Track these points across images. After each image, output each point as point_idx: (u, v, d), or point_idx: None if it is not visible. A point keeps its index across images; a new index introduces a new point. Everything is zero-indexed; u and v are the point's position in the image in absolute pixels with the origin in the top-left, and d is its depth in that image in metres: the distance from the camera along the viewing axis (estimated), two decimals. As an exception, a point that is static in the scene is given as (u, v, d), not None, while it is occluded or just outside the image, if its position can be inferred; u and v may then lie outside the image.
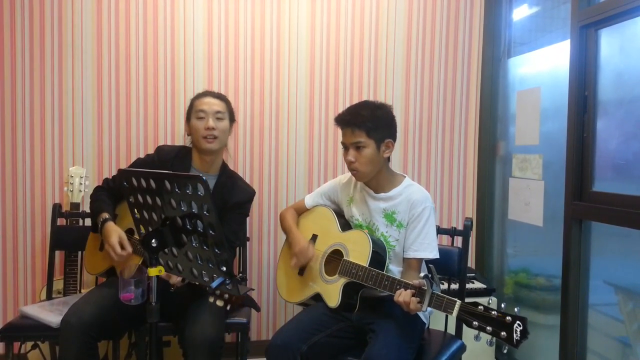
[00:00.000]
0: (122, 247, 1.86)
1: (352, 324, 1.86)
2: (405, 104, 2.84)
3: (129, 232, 2.03)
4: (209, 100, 2.05)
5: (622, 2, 1.88)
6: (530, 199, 2.56)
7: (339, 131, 1.88)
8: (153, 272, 1.39)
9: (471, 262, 2.96)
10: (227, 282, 1.38)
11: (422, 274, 1.67)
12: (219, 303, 1.40)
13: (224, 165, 2.16)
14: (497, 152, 2.92)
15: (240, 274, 2.32)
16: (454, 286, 2.27)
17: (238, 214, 2.10)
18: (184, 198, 1.36)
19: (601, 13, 1.99)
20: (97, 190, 2.09)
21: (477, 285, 2.64)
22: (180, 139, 2.57)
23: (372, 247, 1.77)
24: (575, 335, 2.13)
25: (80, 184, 2.39)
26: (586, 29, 2.08)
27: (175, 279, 1.79)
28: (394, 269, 1.86)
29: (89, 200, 2.09)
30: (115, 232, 1.88)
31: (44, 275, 2.41)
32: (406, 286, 1.61)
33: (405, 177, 1.92)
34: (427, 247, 1.81)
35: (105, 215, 1.94)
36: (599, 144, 2.05)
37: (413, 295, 1.57)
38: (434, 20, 2.84)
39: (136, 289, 1.58)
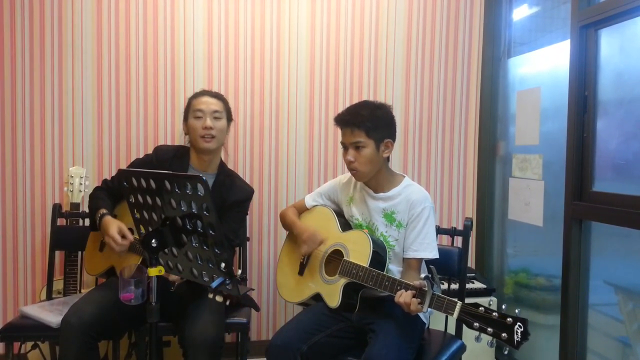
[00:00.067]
0: (124, 236, 1.85)
1: (352, 324, 1.86)
2: (405, 104, 2.84)
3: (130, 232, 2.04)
4: (206, 99, 2.06)
5: (622, 2, 1.88)
6: (530, 199, 2.56)
7: (339, 131, 1.88)
8: (153, 272, 1.39)
9: (471, 262, 2.96)
10: (227, 282, 1.38)
11: (422, 275, 1.67)
12: (218, 298, 1.40)
13: (222, 164, 2.16)
14: (497, 152, 2.92)
15: (241, 274, 2.32)
16: (454, 286, 2.27)
17: (237, 212, 2.10)
18: (184, 198, 1.36)
19: (601, 13, 1.99)
20: (95, 190, 2.09)
21: (477, 285, 2.64)
22: (180, 139, 2.58)
23: (373, 248, 1.77)
24: (575, 335, 2.13)
25: (80, 184, 2.38)
26: (586, 29, 2.08)
27: (174, 276, 1.79)
28: (394, 269, 1.86)
29: (88, 199, 2.09)
30: (114, 223, 1.87)
31: (44, 275, 2.41)
32: (407, 287, 1.61)
33: (404, 177, 1.92)
34: (427, 247, 1.81)
35: (103, 210, 1.94)
36: (599, 144, 2.05)
37: (414, 296, 1.56)
38: (434, 20, 2.84)
39: (136, 289, 1.58)
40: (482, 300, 1.51)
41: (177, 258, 1.48)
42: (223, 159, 2.20)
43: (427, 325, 1.93)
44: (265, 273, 2.78)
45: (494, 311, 1.43)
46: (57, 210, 2.35)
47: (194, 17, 2.62)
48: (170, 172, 1.51)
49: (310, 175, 2.78)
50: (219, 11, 2.64)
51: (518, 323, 1.38)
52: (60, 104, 2.54)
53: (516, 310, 1.44)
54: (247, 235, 2.60)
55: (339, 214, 2.01)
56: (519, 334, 1.37)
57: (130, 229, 2.02)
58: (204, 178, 1.29)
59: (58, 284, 2.36)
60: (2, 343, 2.08)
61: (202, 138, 2.00)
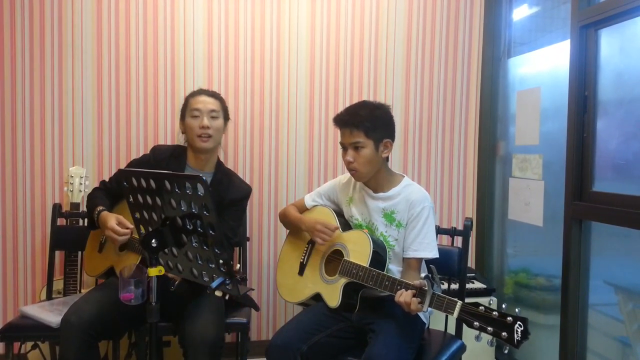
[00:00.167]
0: (123, 227, 1.84)
1: (352, 324, 1.86)
2: (405, 104, 2.84)
3: None
4: (203, 98, 2.06)
5: (622, 2, 1.88)
6: (530, 199, 2.56)
7: (339, 131, 1.88)
8: (153, 272, 1.39)
9: (471, 262, 2.96)
10: (227, 282, 1.38)
11: (422, 275, 1.67)
12: (218, 293, 1.40)
13: (219, 163, 2.16)
14: (497, 152, 2.92)
15: (241, 274, 2.32)
16: (454, 286, 2.27)
17: (235, 210, 2.10)
18: (184, 198, 1.36)
19: (601, 13, 1.99)
20: (93, 191, 2.10)
21: (477, 285, 2.64)
22: (179, 138, 2.58)
23: (373, 247, 1.77)
24: (575, 335, 2.13)
25: (80, 184, 2.38)
26: (586, 29, 2.08)
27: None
28: (394, 269, 1.86)
29: (86, 200, 2.09)
30: (112, 216, 1.87)
31: (44, 275, 2.41)
32: (407, 287, 1.61)
33: (404, 176, 1.92)
34: (427, 247, 1.81)
35: (100, 207, 1.94)
36: (599, 144, 2.05)
37: (414, 296, 1.56)
38: (434, 20, 2.84)
39: (136, 289, 1.58)
40: (482, 300, 1.50)
41: (177, 258, 1.48)
42: (220, 157, 2.20)
43: (427, 325, 1.93)
44: (265, 273, 2.78)
45: (494, 310, 1.43)
46: (57, 210, 2.35)
47: (194, 17, 2.62)
48: (170, 172, 1.51)
49: (310, 175, 2.78)
50: (219, 11, 2.64)
51: (518, 322, 1.38)
52: (60, 104, 2.54)
53: (516, 310, 1.44)
54: (247, 235, 2.60)
55: (339, 214, 2.01)
56: (519, 333, 1.37)
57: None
58: (203, 178, 1.29)
59: (58, 284, 2.36)
60: (2, 343, 2.08)
61: (199, 137, 2.00)
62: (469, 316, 1.46)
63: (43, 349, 2.18)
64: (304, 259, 1.97)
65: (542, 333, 2.46)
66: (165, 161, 2.05)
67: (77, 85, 2.55)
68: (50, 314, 1.99)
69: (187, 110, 2.06)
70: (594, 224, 2.09)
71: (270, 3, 2.68)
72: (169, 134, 2.64)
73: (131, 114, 2.60)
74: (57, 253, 2.37)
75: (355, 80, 2.79)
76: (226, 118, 2.12)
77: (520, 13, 2.86)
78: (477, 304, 1.46)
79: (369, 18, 2.78)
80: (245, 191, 2.15)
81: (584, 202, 2.08)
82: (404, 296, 1.58)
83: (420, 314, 1.82)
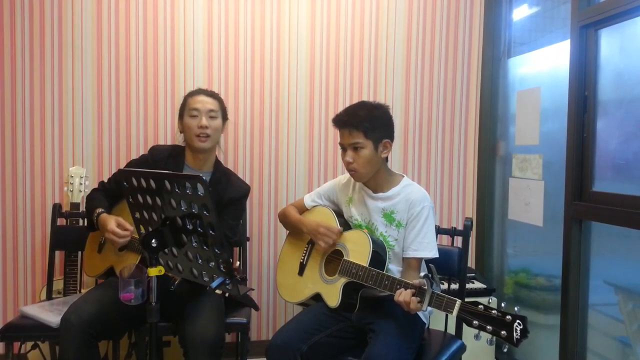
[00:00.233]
0: (123, 229, 1.85)
1: (352, 324, 1.86)
2: (405, 104, 2.84)
3: None
4: (202, 98, 2.06)
5: (622, 2, 1.88)
6: (530, 199, 2.56)
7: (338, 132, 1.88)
8: (153, 272, 1.39)
9: (471, 262, 2.96)
10: (227, 282, 1.38)
11: (422, 274, 1.67)
12: (217, 291, 1.40)
13: (218, 163, 2.16)
14: (497, 152, 2.92)
15: (241, 274, 2.32)
16: (454, 286, 2.27)
17: (234, 209, 2.11)
18: (184, 198, 1.36)
19: (601, 13, 1.99)
20: (92, 192, 2.10)
21: (477, 285, 2.64)
22: (179, 138, 2.58)
23: (372, 247, 1.77)
24: (575, 335, 2.13)
25: (80, 184, 2.38)
26: (586, 29, 2.08)
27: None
28: (394, 269, 1.86)
29: (85, 202, 2.09)
30: (111, 219, 1.87)
31: (44, 275, 2.42)
32: (406, 286, 1.61)
33: (403, 176, 1.92)
34: (427, 247, 1.81)
35: (100, 209, 1.94)
36: (599, 144, 2.05)
37: (413, 295, 1.56)
38: (434, 20, 2.84)
39: (136, 289, 1.58)
40: (482, 300, 1.50)
41: (177, 258, 1.48)
42: (219, 157, 2.20)
43: (427, 325, 1.93)
44: (265, 273, 2.78)
45: (493, 309, 1.43)
46: (57, 210, 2.35)
47: (194, 17, 2.62)
48: (170, 172, 1.51)
49: (310, 175, 2.78)
50: (219, 11, 2.64)
51: (517, 321, 1.38)
52: (60, 104, 2.54)
53: (515, 308, 1.44)
54: (247, 235, 2.60)
55: (339, 213, 2.01)
56: (519, 332, 1.37)
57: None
58: (203, 178, 1.29)
59: (58, 284, 2.36)
60: (2, 343, 2.08)
61: (197, 137, 2.01)
62: (468, 315, 1.46)
63: (43, 349, 2.18)
64: (304, 259, 1.97)
65: (542, 333, 2.46)
66: (163, 161, 2.05)
67: (77, 85, 2.55)
68: (50, 314, 1.99)
69: (185, 109, 2.06)
70: (594, 224, 2.09)
71: (270, 3, 2.68)
72: (169, 134, 2.64)
73: (131, 114, 2.60)
74: (57, 253, 2.37)
75: (355, 80, 2.79)
76: (224, 118, 2.13)
77: (520, 13, 2.86)
78: (477, 303, 1.46)
79: (369, 18, 2.78)
80: (244, 190, 2.15)
81: (584, 202, 2.08)
82: (403, 295, 1.58)
83: (420, 314, 1.82)
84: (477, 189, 2.95)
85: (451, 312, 1.50)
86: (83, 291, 2.32)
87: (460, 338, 1.96)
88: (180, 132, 2.11)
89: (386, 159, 1.89)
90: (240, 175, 2.44)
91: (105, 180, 2.13)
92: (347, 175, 1.99)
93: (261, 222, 2.75)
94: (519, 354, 2.66)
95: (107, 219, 1.88)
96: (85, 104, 2.56)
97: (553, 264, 2.31)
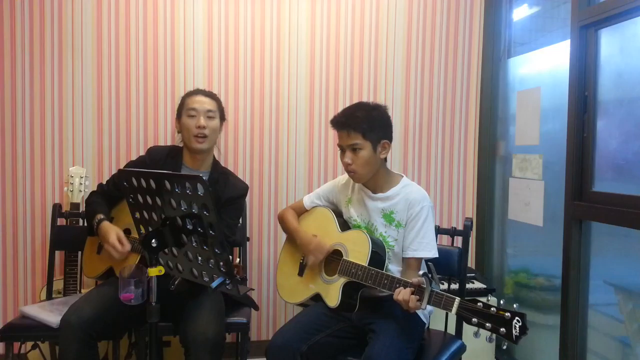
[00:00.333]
0: (122, 244, 1.86)
1: (352, 324, 1.86)
2: (405, 104, 2.84)
3: (126, 232, 2.04)
4: (200, 98, 2.06)
5: (622, 2, 1.88)
6: (530, 199, 2.56)
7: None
8: (153, 272, 1.39)
9: (471, 262, 2.96)
10: (227, 282, 1.38)
11: (420, 272, 1.67)
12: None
13: (215, 162, 2.17)
14: (497, 152, 2.92)
15: (241, 274, 2.32)
16: (454, 286, 2.27)
17: (232, 209, 2.11)
18: (184, 198, 1.36)
19: (601, 13, 1.99)
20: (91, 195, 2.11)
21: (477, 285, 2.64)
22: (178, 139, 2.58)
23: (372, 247, 1.77)
24: (575, 335, 2.13)
25: (80, 184, 2.39)
26: (586, 29, 2.08)
27: None
28: (394, 269, 1.86)
29: (84, 205, 2.09)
30: (112, 230, 1.88)
31: (44, 275, 2.42)
32: (405, 284, 1.61)
33: (402, 176, 1.92)
34: (426, 247, 1.81)
35: (100, 216, 1.95)
36: (599, 144, 2.05)
37: (412, 293, 1.57)
38: (434, 20, 2.84)
39: (136, 289, 1.58)
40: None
41: (177, 258, 1.49)
42: (217, 157, 2.20)
43: (427, 325, 1.93)
44: (265, 273, 2.78)
45: (492, 306, 1.43)
46: (57, 210, 2.35)
47: (194, 17, 2.62)
48: (170, 172, 1.51)
49: (310, 175, 2.78)
50: (219, 11, 2.64)
51: (516, 317, 1.38)
52: (60, 104, 2.54)
53: (514, 305, 1.44)
54: (247, 235, 2.60)
55: (338, 213, 2.01)
56: (518, 329, 1.37)
57: (128, 229, 2.03)
58: (204, 178, 1.29)
59: (58, 284, 2.36)
60: (2, 343, 2.08)
61: (195, 138, 2.01)
62: (467, 312, 1.46)
63: (43, 349, 2.18)
64: (303, 260, 1.97)
65: (542, 333, 2.46)
66: (161, 162, 2.06)
67: (77, 85, 2.55)
68: (51, 314, 1.99)
69: (183, 109, 2.07)
70: (594, 224, 2.09)
71: (270, 3, 2.68)
72: (169, 134, 2.64)
73: (131, 114, 2.60)
74: (57, 253, 2.37)
75: (355, 80, 2.79)
76: (222, 118, 2.13)
77: (520, 13, 2.86)
78: (476, 300, 1.46)
79: (369, 18, 2.78)
80: (242, 189, 2.15)
81: (584, 202, 2.08)
82: (402, 294, 1.58)
83: (420, 314, 1.82)
84: (477, 189, 2.95)
85: (450, 310, 1.50)
86: (83, 291, 2.32)
87: (460, 338, 1.96)
88: (178, 132, 2.11)
89: (385, 159, 1.89)
90: (240, 176, 2.45)
91: (104, 182, 2.14)
92: (346, 176, 1.98)
93: (261, 222, 2.75)
94: (519, 354, 2.66)
95: (109, 230, 1.89)
96: (85, 104, 2.56)
97: (553, 264, 2.31)
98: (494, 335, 1.43)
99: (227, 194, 2.07)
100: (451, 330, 2.00)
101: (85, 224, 2.31)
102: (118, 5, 2.56)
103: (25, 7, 2.48)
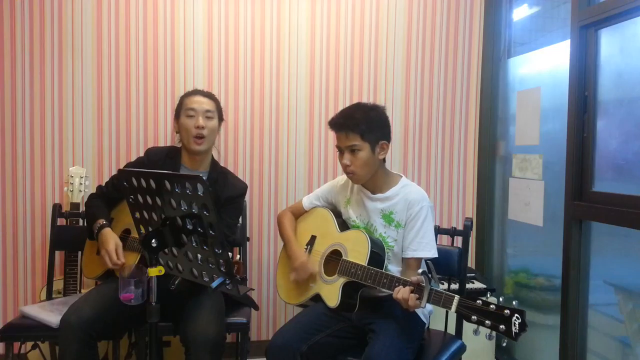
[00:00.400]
0: (118, 256, 1.87)
1: (352, 324, 1.86)
2: (405, 104, 2.84)
3: (126, 232, 2.04)
4: (198, 99, 2.07)
5: (622, 2, 1.88)
6: (530, 199, 2.56)
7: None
8: (153, 272, 1.40)
9: (471, 262, 2.96)
10: (227, 282, 1.38)
11: (419, 270, 1.67)
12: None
13: (214, 162, 2.17)
14: (497, 152, 2.92)
15: (241, 274, 2.32)
16: (454, 286, 2.27)
17: (232, 208, 2.11)
18: (184, 198, 1.36)
19: (601, 13, 1.99)
20: (91, 197, 2.11)
21: (477, 285, 2.64)
22: (177, 139, 2.58)
23: (371, 247, 1.77)
24: (575, 335, 2.13)
25: (80, 184, 2.39)
26: (586, 29, 2.08)
27: None
28: (393, 269, 1.86)
29: (84, 208, 2.09)
30: (112, 240, 1.89)
31: (44, 275, 2.42)
32: (404, 283, 1.61)
33: (401, 176, 1.91)
34: (426, 247, 1.81)
35: (102, 221, 1.95)
36: (599, 144, 2.05)
37: (412, 292, 1.57)
38: (434, 20, 2.84)
39: (136, 289, 1.58)
40: (481, 300, 1.50)
41: (177, 258, 1.49)
42: (216, 157, 2.20)
43: (427, 325, 1.93)
44: (265, 273, 2.78)
45: (491, 303, 1.43)
46: (57, 210, 2.35)
47: (194, 17, 2.62)
48: (170, 172, 1.51)
49: (310, 176, 2.78)
50: (219, 11, 2.64)
51: (516, 315, 1.38)
52: (60, 104, 2.54)
53: (513, 302, 1.44)
54: (247, 235, 2.60)
55: (337, 214, 2.01)
56: (517, 326, 1.38)
57: (127, 229, 2.03)
58: (203, 178, 1.29)
59: (58, 284, 2.36)
60: (2, 343, 2.08)
61: (194, 139, 2.01)
62: (466, 310, 1.47)
63: (43, 349, 2.18)
64: (303, 259, 1.97)
65: (542, 333, 2.46)
66: (160, 162, 2.06)
67: (77, 85, 2.55)
68: (51, 314, 1.99)
69: (182, 109, 2.07)
70: (594, 224, 2.09)
71: (270, 3, 2.68)
72: (169, 134, 2.64)
73: (131, 114, 2.60)
74: (57, 253, 2.37)
75: (355, 80, 2.79)
76: (220, 119, 2.13)
77: (520, 13, 2.86)
78: (475, 298, 1.46)
79: (369, 18, 2.78)
80: (241, 188, 2.15)
81: (584, 202, 2.08)
82: (401, 292, 1.58)
83: (420, 314, 1.82)
84: (477, 189, 2.95)
85: (450, 308, 1.51)
86: (83, 291, 2.32)
87: (460, 338, 1.96)
88: (177, 132, 2.11)
89: (384, 159, 1.89)
90: (240, 176, 2.45)
91: (103, 184, 2.14)
92: (345, 176, 1.98)
93: (261, 222, 2.75)
94: (519, 354, 2.66)
95: (109, 238, 1.89)
96: (85, 104, 2.56)
97: (553, 264, 2.31)
98: (493, 333, 1.43)
99: (226, 194, 2.07)
100: (451, 330, 1.99)
101: (85, 225, 2.32)
102: (118, 5, 2.56)
103: (25, 7, 2.48)
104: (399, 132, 2.83)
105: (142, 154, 2.22)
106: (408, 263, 1.83)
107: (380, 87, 2.81)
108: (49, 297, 2.29)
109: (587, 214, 2.07)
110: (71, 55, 2.53)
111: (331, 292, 1.82)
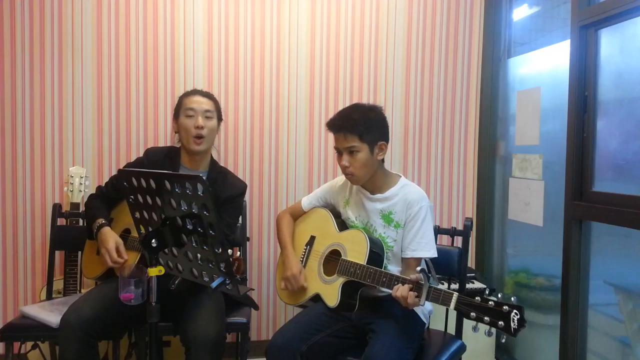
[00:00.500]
0: (119, 254, 1.87)
1: (352, 324, 1.86)
2: (405, 104, 2.84)
3: (126, 232, 2.04)
4: (198, 98, 2.07)
5: (622, 2, 1.88)
6: (530, 199, 2.56)
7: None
8: (153, 272, 1.40)
9: (471, 262, 2.96)
10: (227, 282, 1.38)
11: (418, 268, 1.67)
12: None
13: (213, 162, 2.17)
14: (497, 152, 2.92)
15: (241, 274, 2.32)
16: (454, 286, 2.27)
17: (231, 208, 2.11)
18: (184, 198, 1.36)
19: (601, 13, 1.99)
20: (90, 198, 2.11)
21: (477, 285, 2.64)
22: (176, 139, 2.58)
23: (370, 246, 1.77)
24: (575, 335, 2.13)
25: (80, 184, 2.39)
26: (586, 29, 2.08)
27: None
28: (393, 270, 1.86)
29: (84, 208, 2.09)
30: (112, 238, 1.89)
31: (44, 275, 2.42)
32: (403, 281, 1.61)
33: (400, 176, 1.91)
34: (425, 247, 1.81)
35: (101, 220, 1.95)
36: (599, 144, 2.05)
37: (411, 290, 1.57)
38: (434, 20, 2.84)
39: (136, 289, 1.58)
40: (480, 299, 1.50)
41: (177, 258, 1.49)
42: (215, 157, 2.20)
43: (427, 325, 1.93)
44: (265, 273, 2.78)
45: (490, 300, 1.43)
46: (57, 210, 2.35)
47: (194, 17, 2.62)
48: (170, 172, 1.52)
49: (310, 176, 2.79)
50: (219, 11, 2.64)
51: (514, 311, 1.39)
52: (60, 104, 2.54)
53: (512, 298, 1.44)
54: (247, 235, 2.60)
55: (336, 214, 2.01)
56: (516, 322, 1.38)
57: (127, 229, 2.03)
58: (203, 178, 1.29)
59: (58, 284, 2.36)
60: (2, 343, 2.08)
61: (193, 139, 2.01)
62: (465, 307, 1.47)
63: (43, 349, 2.18)
64: (302, 260, 1.97)
65: (542, 333, 2.46)
66: (159, 162, 2.06)
67: (77, 85, 2.55)
68: (51, 314, 1.99)
69: (181, 109, 2.07)
70: (594, 224, 2.09)
71: (270, 3, 2.68)
72: (169, 135, 2.64)
73: (131, 114, 2.60)
74: (57, 253, 2.37)
75: (355, 80, 2.79)
76: (220, 119, 2.13)
77: (520, 13, 2.86)
78: (474, 295, 1.46)
79: (369, 18, 2.78)
80: (240, 188, 2.15)
81: (584, 202, 2.08)
82: (400, 290, 1.58)
83: (420, 314, 1.82)
84: (477, 189, 2.95)
85: (449, 305, 1.51)
86: (83, 291, 2.32)
87: (460, 338, 1.96)
88: (176, 132, 2.12)
89: (382, 160, 1.89)
90: (240, 176, 2.45)
91: (103, 184, 2.14)
92: (343, 177, 1.98)
93: (261, 222, 2.75)
94: (519, 354, 2.66)
95: (109, 237, 1.90)
96: (85, 104, 2.56)
97: (553, 264, 2.31)
98: (492, 330, 1.43)
99: (225, 193, 2.07)
100: (451, 330, 2.00)
101: (85, 225, 2.32)
102: (118, 5, 2.56)
103: (25, 7, 2.48)
104: (398, 132, 2.83)
105: (138, 156, 2.22)
106: (408, 263, 1.83)
107: (380, 87, 2.81)
108: (49, 297, 2.29)
109: (587, 214, 2.07)
110: (71, 55, 2.53)
111: (331, 291, 1.82)
